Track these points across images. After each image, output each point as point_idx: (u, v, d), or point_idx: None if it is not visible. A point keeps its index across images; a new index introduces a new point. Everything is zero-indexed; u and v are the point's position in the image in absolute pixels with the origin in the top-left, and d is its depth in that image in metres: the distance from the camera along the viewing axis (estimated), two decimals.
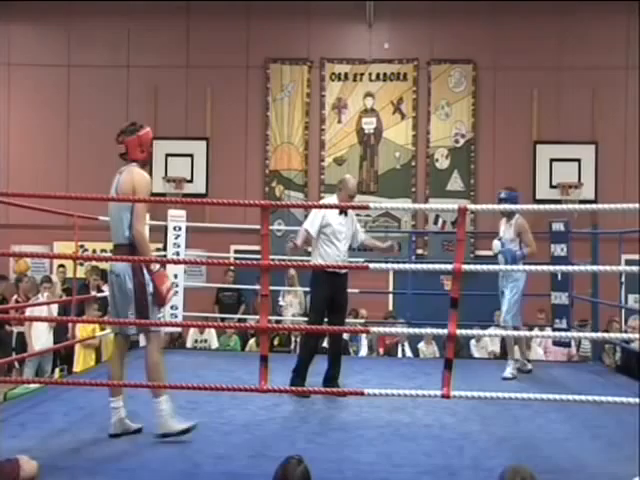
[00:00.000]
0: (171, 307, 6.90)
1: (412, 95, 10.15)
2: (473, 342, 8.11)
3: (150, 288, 3.75)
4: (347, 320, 8.35)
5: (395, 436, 3.97)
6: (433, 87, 10.11)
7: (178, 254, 6.88)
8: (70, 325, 6.94)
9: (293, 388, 4.08)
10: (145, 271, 3.73)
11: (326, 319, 5.04)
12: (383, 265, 4.56)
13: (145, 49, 10.21)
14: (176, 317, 6.87)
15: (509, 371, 5.63)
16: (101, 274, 8.49)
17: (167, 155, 10.12)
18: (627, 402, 3.47)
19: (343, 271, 5.00)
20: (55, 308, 7.30)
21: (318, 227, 5.05)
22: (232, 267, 8.70)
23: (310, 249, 5.32)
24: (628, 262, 8.17)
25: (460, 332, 3.71)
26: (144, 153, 3.91)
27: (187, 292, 7.05)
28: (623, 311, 7.74)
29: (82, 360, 7.20)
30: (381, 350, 8.16)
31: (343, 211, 5.09)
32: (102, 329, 6.99)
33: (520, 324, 5.81)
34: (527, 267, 4.20)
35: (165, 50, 10.21)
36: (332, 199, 5.30)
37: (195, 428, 3.77)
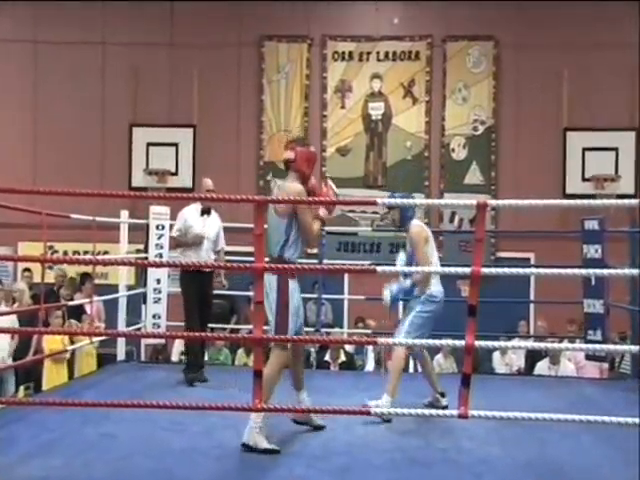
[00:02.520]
0: (153, 316, 6.92)
1: (425, 77, 10.16)
2: (496, 355, 8.11)
3: (293, 301, 4.16)
4: (352, 330, 8.39)
5: (406, 461, 3.97)
6: (449, 67, 10.13)
7: (161, 256, 6.89)
8: (35, 337, 6.95)
9: (291, 407, 4.09)
10: (290, 284, 4.15)
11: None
12: (392, 268, 4.56)
13: (123, 24, 10.23)
14: (159, 327, 6.88)
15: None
16: (71, 280, 8.52)
17: (149, 144, 10.15)
18: None
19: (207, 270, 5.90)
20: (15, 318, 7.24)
21: (183, 230, 5.93)
22: (222, 271, 8.70)
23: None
24: None
25: (479, 344, 3.71)
26: (309, 170, 4.34)
27: (171, 299, 7.05)
28: None
29: (52, 376, 7.20)
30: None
31: (205, 212, 5.97)
32: (73, 341, 7.00)
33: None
34: (556, 271, 4.19)
35: (146, 26, 10.23)
36: (195, 205, 6.06)
37: (278, 453, 4.01)
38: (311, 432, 4.47)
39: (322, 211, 4.36)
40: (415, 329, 4.88)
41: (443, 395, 5.08)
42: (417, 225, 5.03)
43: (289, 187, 4.20)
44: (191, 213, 6.03)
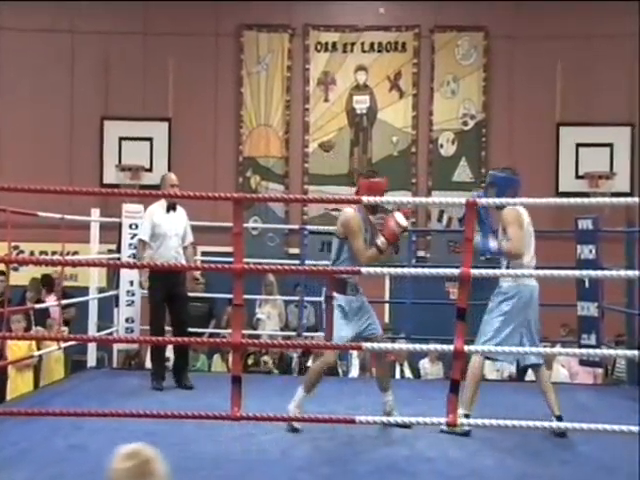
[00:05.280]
0: (126, 320, 6.89)
1: (412, 69, 10.18)
2: (487, 361, 8.14)
3: (337, 310, 4.64)
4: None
5: (392, 472, 3.97)
6: (437, 59, 10.16)
7: (134, 256, 6.86)
8: None
9: (271, 415, 4.08)
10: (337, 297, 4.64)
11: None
12: (378, 270, 4.57)
13: (93, 11, 10.15)
14: (132, 331, 6.85)
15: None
16: (41, 282, 8.44)
17: (121, 139, 10.09)
18: None
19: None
20: None
21: (150, 231, 5.99)
22: (200, 272, 8.68)
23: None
24: None
25: (469, 348, 3.73)
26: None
27: (145, 302, 7.02)
28: None
29: (16, 384, 7.13)
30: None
31: (171, 207, 6.04)
32: (40, 347, 6.94)
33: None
34: (549, 272, 4.21)
35: (118, 13, 10.17)
36: (160, 202, 6.12)
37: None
38: (292, 441, 4.46)
39: (380, 240, 4.57)
40: (494, 333, 4.60)
41: (560, 419, 4.53)
42: (514, 208, 4.70)
43: (342, 213, 4.74)
44: (157, 211, 6.06)
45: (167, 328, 6.19)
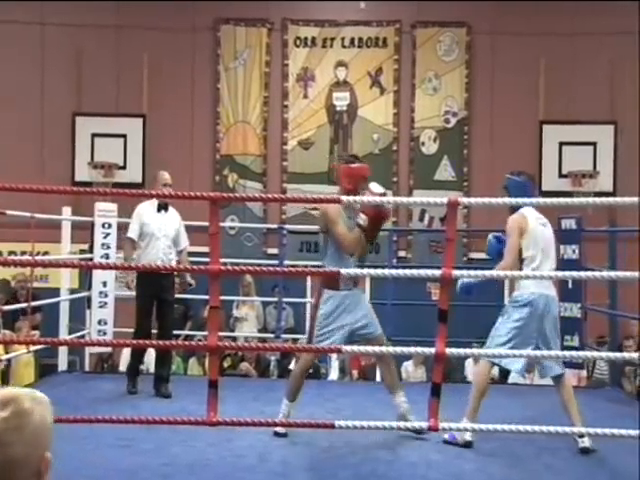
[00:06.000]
0: (99, 322, 6.85)
1: (393, 65, 10.20)
2: (469, 363, 8.18)
3: (320, 312, 4.58)
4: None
5: (373, 477, 3.98)
6: (418, 55, 10.19)
7: (107, 256, 6.82)
8: None
9: (248, 420, 4.07)
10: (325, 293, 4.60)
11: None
12: (357, 270, 4.58)
13: (64, 3, 10.07)
14: (105, 334, 6.81)
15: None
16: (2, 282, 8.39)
17: (94, 135, 10.02)
18: None
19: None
20: None
21: (138, 230, 5.91)
22: (175, 273, 8.65)
23: None
24: None
25: (450, 351, 3.74)
26: (350, 185, 4.62)
27: (119, 303, 6.99)
28: None
29: None
30: (355, 373, 8.18)
31: (162, 207, 5.95)
32: (7, 351, 6.88)
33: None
34: (531, 273, 4.23)
35: (90, 5, 10.08)
36: (151, 200, 6.04)
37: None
38: (269, 447, 4.46)
39: (360, 218, 4.51)
40: (503, 340, 4.48)
41: (582, 436, 4.35)
42: (518, 214, 4.58)
43: (320, 205, 4.77)
44: (147, 210, 5.97)
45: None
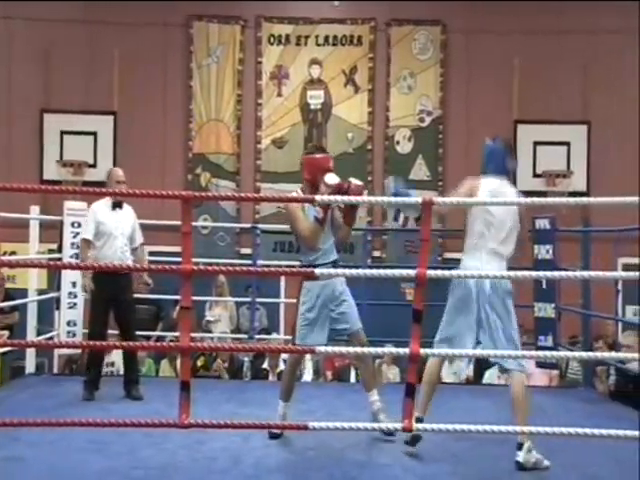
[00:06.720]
0: (68, 323, 6.79)
1: (368, 63, 10.23)
2: (445, 363, 8.21)
3: (302, 307, 4.63)
4: (286, 337, 8.37)
5: (345, 479, 3.98)
6: (393, 54, 10.22)
7: (77, 256, 6.76)
8: None
9: (221, 422, 4.05)
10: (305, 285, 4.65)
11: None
12: (332, 270, 4.58)
13: None
14: (74, 335, 6.75)
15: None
16: None
17: (63, 133, 9.95)
18: (624, 435, 3.58)
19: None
20: None
21: (94, 230, 5.83)
22: (146, 273, 8.60)
23: None
24: (626, 267, 8.41)
25: (425, 352, 3.76)
26: (309, 175, 4.68)
27: (88, 304, 6.91)
28: (620, 325, 7.96)
29: None
30: (329, 374, 8.18)
31: (117, 205, 5.89)
32: None
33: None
34: (506, 273, 4.26)
35: None
36: (105, 199, 5.97)
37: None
38: (242, 449, 4.45)
39: (315, 210, 4.51)
40: (439, 335, 4.36)
41: (520, 448, 4.08)
42: (476, 179, 4.44)
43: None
44: (101, 209, 5.90)
45: (115, 332, 6.06)
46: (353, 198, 4.40)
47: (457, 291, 4.31)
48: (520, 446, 4.06)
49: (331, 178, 4.47)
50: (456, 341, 4.25)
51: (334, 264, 4.67)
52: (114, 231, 5.83)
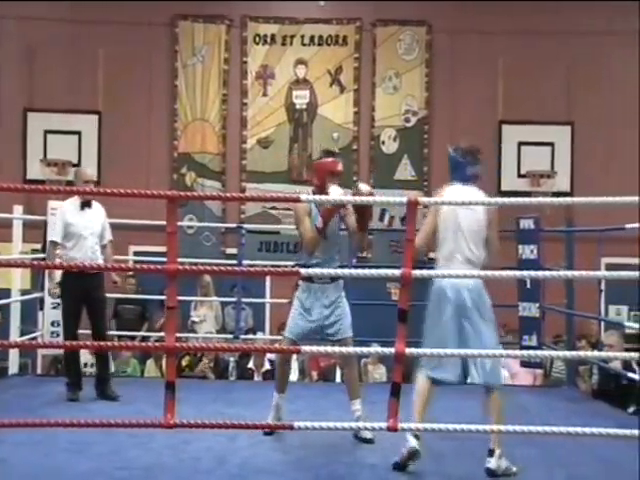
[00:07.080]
0: (52, 323, 6.76)
1: (353, 63, 10.25)
2: None
3: (295, 302, 4.74)
4: (272, 337, 8.38)
5: (331, 479, 3.99)
6: (379, 54, 10.24)
7: (61, 256, 6.73)
8: None
9: (206, 422, 4.05)
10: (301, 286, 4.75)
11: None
12: (317, 270, 4.59)
13: None
14: (58, 335, 6.72)
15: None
16: None
17: (47, 132, 9.90)
18: (606, 434, 3.62)
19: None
20: None
21: (62, 232, 5.74)
22: (131, 273, 8.58)
23: None
24: (609, 267, 8.48)
25: (410, 351, 3.77)
26: (319, 180, 4.74)
27: (61, 305, 6.89)
28: (602, 325, 8.02)
29: None
30: (315, 374, 8.20)
31: (85, 205, 5.79)
32: None
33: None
34: (490, 272, 4.28)
35: None
36: (72, 199, 5.88)
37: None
38: (228, 449, 4.45)
39: (318, 221, 4.61)
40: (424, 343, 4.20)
41: (491, 455, 4.03)
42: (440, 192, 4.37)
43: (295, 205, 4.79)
44: (69, 209, 5.81)
45: (87, 332, 5.98)
46: (345, 198, 4.50)
47: (435, 310, 4.15)
48: (491, 452, 4.01)
49: (336, 192, 4.55)
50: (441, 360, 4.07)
51: (332, 278, 4.69)
52: (83, 231, 5.74)
